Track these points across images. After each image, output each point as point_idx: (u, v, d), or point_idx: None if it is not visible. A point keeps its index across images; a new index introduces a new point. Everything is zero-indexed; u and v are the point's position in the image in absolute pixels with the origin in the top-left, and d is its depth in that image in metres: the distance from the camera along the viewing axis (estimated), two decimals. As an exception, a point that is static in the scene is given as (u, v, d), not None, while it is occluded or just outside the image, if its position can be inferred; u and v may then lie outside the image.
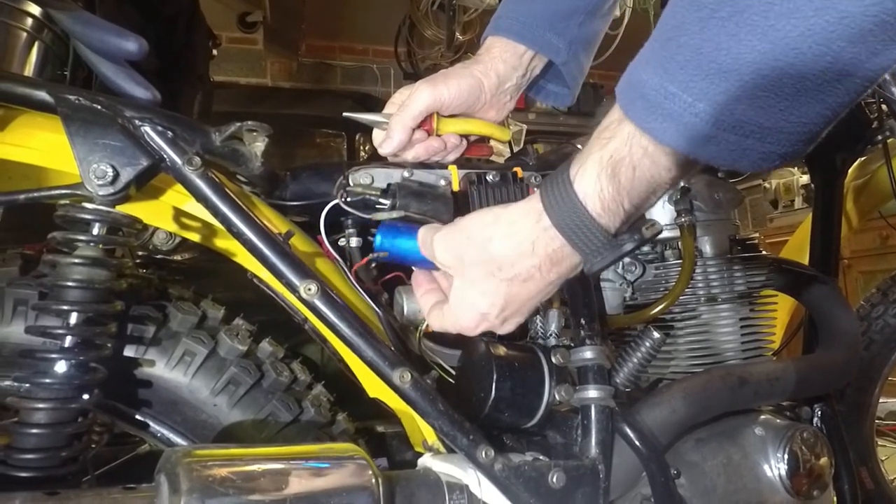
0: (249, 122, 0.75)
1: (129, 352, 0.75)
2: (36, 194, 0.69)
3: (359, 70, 4.21)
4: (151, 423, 0.77)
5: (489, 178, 0.80)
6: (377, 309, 0.80)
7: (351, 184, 0.79)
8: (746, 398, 0.84)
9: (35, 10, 0.97)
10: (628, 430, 0.76)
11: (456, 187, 0.81)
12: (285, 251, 0.71)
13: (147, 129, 0.71)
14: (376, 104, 3.18)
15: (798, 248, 1.24)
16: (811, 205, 1.20)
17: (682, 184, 0.56)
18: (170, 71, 1.43)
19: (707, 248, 0.93)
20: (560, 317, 0.84)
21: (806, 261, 1.14)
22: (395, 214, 0.76)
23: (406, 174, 0.81)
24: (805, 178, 3.71)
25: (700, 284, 0.91)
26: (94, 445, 0.78)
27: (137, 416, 0.77)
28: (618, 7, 2.80)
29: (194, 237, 0.80)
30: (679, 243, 0.91)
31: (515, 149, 2.87)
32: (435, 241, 0.66)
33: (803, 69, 0.42)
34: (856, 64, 0.42)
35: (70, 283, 0.69)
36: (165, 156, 0.70)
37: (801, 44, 0.41)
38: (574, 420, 0.76)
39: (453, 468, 0.72)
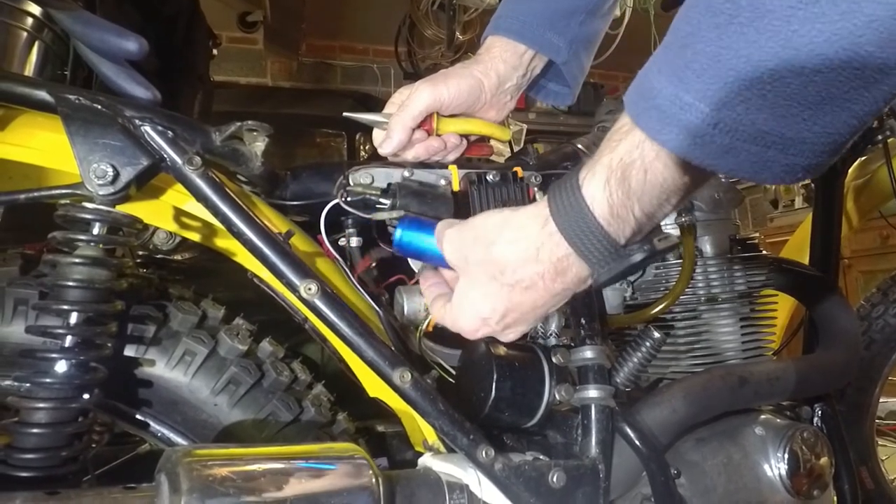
0: (250, 122, 0.75)
1: (129, 351, 0.75)
2: (36, 194, 0.69)
3: (359, 70, 4.21)
4: (152, 423, 0.77)
5: (489, 177, 0.80)
6: (377, 309, 0.80)
7: (351, 183, 0.79)
8: (747, 398, 0.85)
9: (35, 9, 0.97)
10: (628, 430, 0.76)
11: (456, 187, 0.81)
12: (285, 251, 0.71)
13: (147, 128, 0.71)
14: (376, 104, 3.17)
15: (798, 248, 1.25)
16: (811, 204, 1.20)
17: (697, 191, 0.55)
18: (170, 71, 1.43)
19: (707, 247, 0.93)
20: (560, 316, 0.84)
21: (806, 261, 1.14)
22: (395, 214, 0.76)
23: (406, 174, 0.81)
24: (805, 178, 3.70)
25: (700, 284, 0.91)
26: (94, 445, 0.78)
27: (138, 416, 0.77)
28: (618, 7, 2.80)
29: (194, 237, 0.80)
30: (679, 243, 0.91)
31: (516, 148, 2.87)
32: (445, 237, 0.65)
33: (829, 76, 0.40)
34: (884, 70, 0.39)
35: (70, 283, 0.69)
36: (166, 155, 0.70)
37: (826, 49, 0.39)
38: (574, 420, 0.76)
39: (453, 468, 0.72)
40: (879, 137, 1.10)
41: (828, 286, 1.06)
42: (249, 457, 0.62)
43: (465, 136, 0.86)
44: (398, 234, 0.69)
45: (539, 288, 0.59)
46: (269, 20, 3.38)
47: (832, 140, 0.44)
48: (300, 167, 0.85)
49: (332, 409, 0.85)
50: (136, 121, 0.70)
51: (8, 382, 0.71)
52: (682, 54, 0.46)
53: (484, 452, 0.70)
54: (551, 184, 0.58)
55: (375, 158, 0.85)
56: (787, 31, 0.40)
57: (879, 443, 1.49)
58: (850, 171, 1.18)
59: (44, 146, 0.70)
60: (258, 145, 0.75)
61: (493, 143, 0.92)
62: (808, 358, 1.03)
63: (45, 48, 0.99)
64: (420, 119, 0.81)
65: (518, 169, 0.83)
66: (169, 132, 0.71)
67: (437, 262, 0.69)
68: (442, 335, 0.83)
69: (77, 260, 0.70)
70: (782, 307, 1.15)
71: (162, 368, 0.76)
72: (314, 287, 0.70)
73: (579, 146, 0.92)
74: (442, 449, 0.77)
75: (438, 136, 0.83)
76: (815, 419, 0.97)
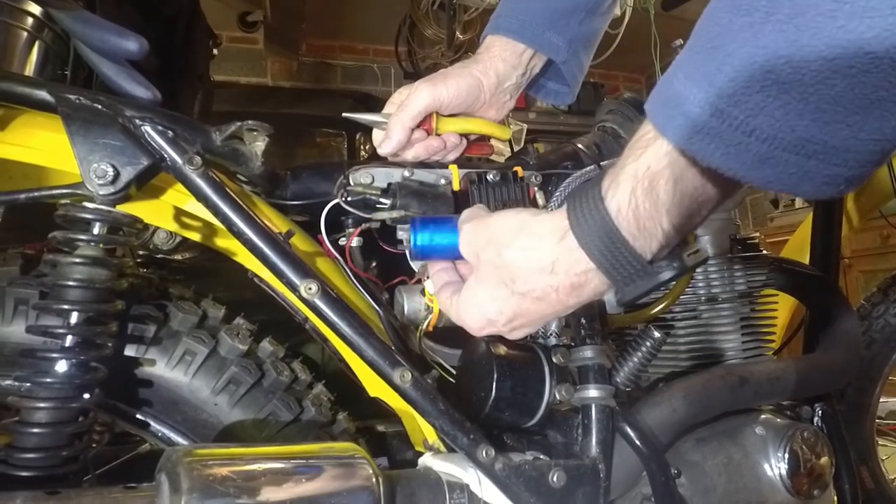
0: (250, 122, 0.75)
1: (129, 351, 0.75)
2: (37, 194, 0.69)
3: (359, 69, 4.21)
4: (152, 423, 0.77)
5: (489, 177, 0.80)
6: (378, 308, 0.80)
7: (351, 183, 0.79)
8: (747, 398, 0.84)
9: (35, 9, 0.97)
10: (629, 430, 0.76)
11: (456, 187, 0.81)
12: (286, 250, 0.71)
13: (147, 128, 0.71)
14: (377, 104, 3.17)
15: (798, 248, 1.24)
16: (811, 204, 1.20)
17: (732, 201, 0.51)
18: (170, 71, 1.43)
19: (707, 247, 0.93)
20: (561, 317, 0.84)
21: (806, 260, 1.14)
22: (395, 214, 0.76)
23: (406, 174, 0.81)
24: (806, 178, 3.70)
25: (700, 284, 0.91)
26: (94, 445, 0.79)
27: (138, 416, 0.77)
28: (618, 6, 2.80)
29: (195, 236, 0.80)
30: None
31: (516, 148, 2.87)
32: (462, 230, 0.63)
33: (879, 76, 0.36)
34: None
35: (71, 283, 0.69)
36: (166, 155, 0.70)
37: (877, 47, 0.36)
38: (574, 419, 0.76)
39: (454, 467, 0.72)
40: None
41: (828, 286, 1.06)
42: (250, 456, 0.62)
43: (464, 135, 0.86)
44: (415, 239, 0.66)
45: (551, 300, 0.56)
46: (269, 20, 3.38)
47: (879, 148, 0.40)
48: (300, 167, 0.85)
49: (332, 409, 0.85)
50: (137, 120, 0.70)
51: (8, 382, 0.71)
52: (713, 57, 0.42)
53: (484, 452, 0.70)
54: (569, 194, 0.55)
55: (375, 158, 0.85)
56: (832, 28, 0.37)
57: (880, 442, 1.49)
58: (850, 170, 1.17)
59: (44, 146, 0.70)
60: (258, 145, 0.76)
61: (493, 142, 0.92)
62: (808, 358, 1.03)
63: (46, 48, 0.99)
64: (419, 119, 0.81)
65: (518, 168, 0.83)
66: (169, 132, 0.71)
67: (456, 256, 0.66)
68: (442, 335, 0.83)
69: (77, 260, 0.70)
70: (782, 307, 1.15)
71: (162, 368, 0.76)
72: (314, 287, 0.70)
73: (579, 146, 0.92)
74: (442, 448, 0.77)
75: (438, 135, 0.83)
76: (816, 419, 0.97)
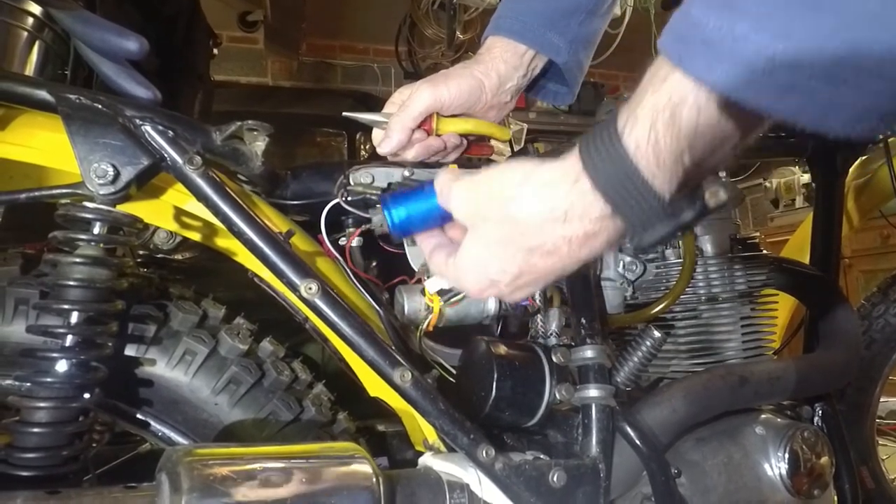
0: (250, 122, 0.75)
1: (130, 351, 0.75)
2: (37, 193, 0.69)
3: (359, 69, 4.21)
4: (152, 422, 0.77)
5: (490, 177, 0.80)
6: (378, 308, 0.80)
7: (351, 183, 0.79)
8: (747, 397, 0.85)
9: (36, 9, 0.97)
10: (629, 430, 0.76)
11: (456, 186, 0.81)
12: (286, 250, 0.71)
13: (148, 128, 0.71)
14: (377, 103, 3.17)
15: (799, 248, 1.24)
16: (812, 204, 1.20)
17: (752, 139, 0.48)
18: (170, 70, 1.43)
19: (708, 247, 0.93)
20: (561, 316, 0.84)
21: (807, 260, 1.14)
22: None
23: (406, 173, 0.81)
24: (806, 177, 3.71)
25: (701, 284, 0.91)
26: (95, 444, 0.79)
27: (138, 415, 0.77)
28: (618, 6, 2.80)
29: (195, 236, 0.80)
30: (680, 242, 0.91)
31: (516, 148, 2.87)
32: (453, 189, 0.59)
33: None
34: None
35: (71, 283, 0.69)
36: (166, 155, 0.70)
37: None
38: (575, 419, 0.76)
39: (454, 467, 0.72)
40: (880, 136, 1.10)
41: (828, 286, 1.06)
42: (250, 456, 0.62)
43: (465, 136, 0.86)
44: (391, 216, 0.63)
45: (562, 254, 0.52)
46: (269, 20, 3.38)
47: None
48: (300, 167, 0.85)
49: (332, 409, 0.85)
50: (137, 120, 0.70)
51: (9, 382, 0.71)
52: None
53: (484, 452, 0.70)
54: (581, 138, 0.51)
55: (376, 158, 0.85)
56: None
57: (880, 442, 1.49)
58: (850, 170, 1.18)
59: (44, 146, 0.70)
60: (258, 145, 0.76)
61: (493, 142, 0.92)
62: (808, 357, 1.03)
63: (46, 48, 1.00)
64: (420, 119, 0.81)
65: (518, 168, 0.83)
66: (169, 132, 0.71)
67: (438, 223, 0.63)
68: (442, 335, 0.84)
69: (78, 259, 0.70)
70: (782, 307, 1.15)
71: (162, 368, 0.76)
72: (315, 286, 0.70)
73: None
74: (442, 448, 0.77)
75: (438, 136, 0.83)
76: (816, 419, 0.97)
